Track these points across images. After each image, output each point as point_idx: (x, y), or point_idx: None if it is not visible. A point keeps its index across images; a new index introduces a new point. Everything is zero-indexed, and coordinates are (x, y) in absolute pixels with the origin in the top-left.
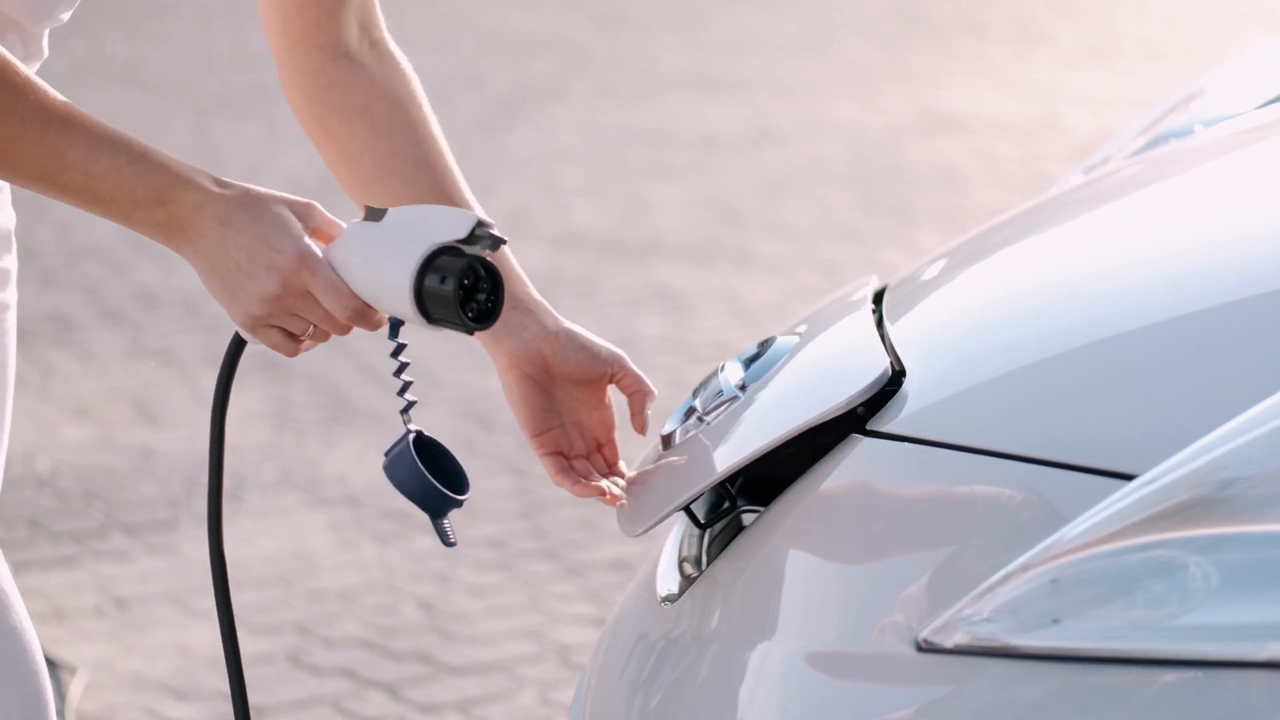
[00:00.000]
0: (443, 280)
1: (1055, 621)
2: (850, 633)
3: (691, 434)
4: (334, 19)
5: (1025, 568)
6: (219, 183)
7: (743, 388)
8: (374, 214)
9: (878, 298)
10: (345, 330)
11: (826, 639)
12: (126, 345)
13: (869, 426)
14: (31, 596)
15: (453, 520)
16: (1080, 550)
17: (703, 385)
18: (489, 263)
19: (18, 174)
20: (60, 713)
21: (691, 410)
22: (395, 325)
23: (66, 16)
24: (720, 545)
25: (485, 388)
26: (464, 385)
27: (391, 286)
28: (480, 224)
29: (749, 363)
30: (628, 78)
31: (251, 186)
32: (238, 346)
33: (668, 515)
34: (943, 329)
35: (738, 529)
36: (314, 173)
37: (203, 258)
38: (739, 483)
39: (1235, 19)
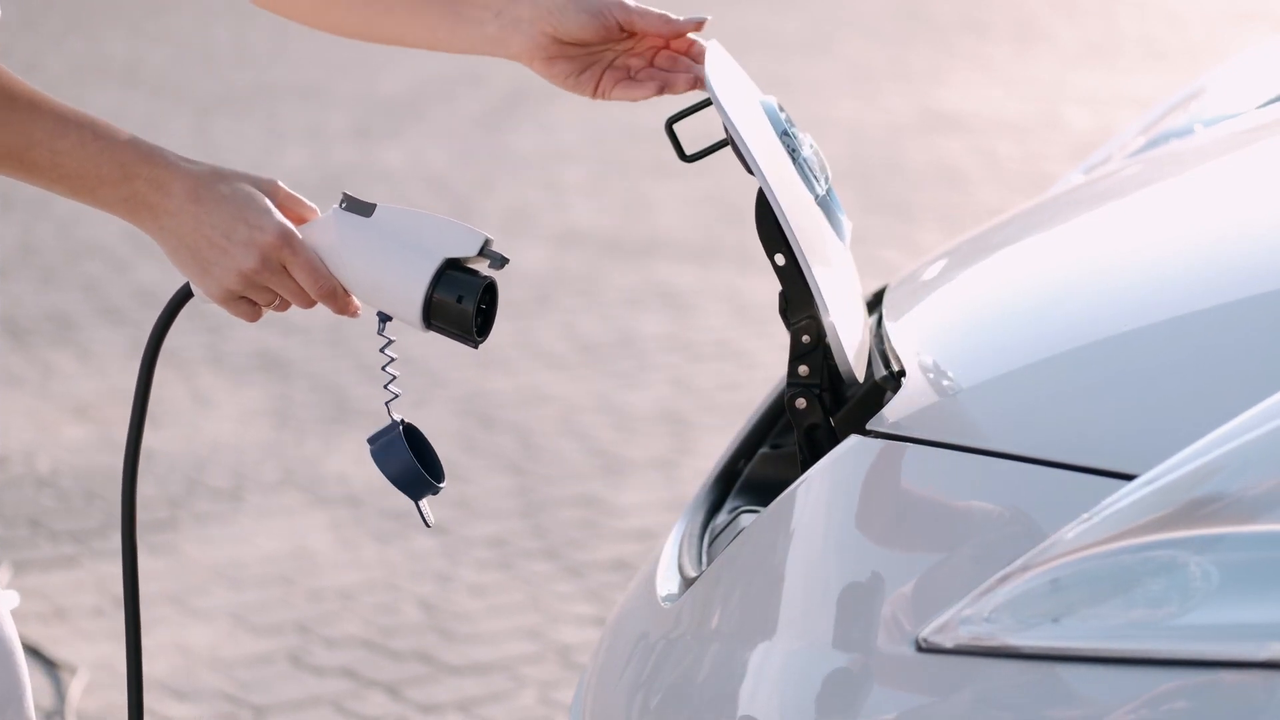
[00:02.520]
0: (459, 299)
1: (1055, 621)
2: (850, 632)
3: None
4: None
5: (1025, 568)
6: (184, 160)
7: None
8: (358, 206)
9: (878, 297)
10: (312, 305)
11: (826, 639)
12: (126, 345)
13: (869, 426)
14: (31, 596)
15: (431, 505)
16: (1080, 550)
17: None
18: (494, 282)
19: None
20: (60, 713)
21: (789, 136)
22: (383, 320)
23: None
24: (720, 545)
25: (485, 387)
26: (464, 384)
27: (396, 290)
28: (488, 241)
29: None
30: None
31: (217, 164)
32: (181, 300)
33: (730, 132)
34: (943, 329)
35: (737, 529)
36: (314, 173)
37: (171, 234)
38: (738, 483)
39: (1235, 18)
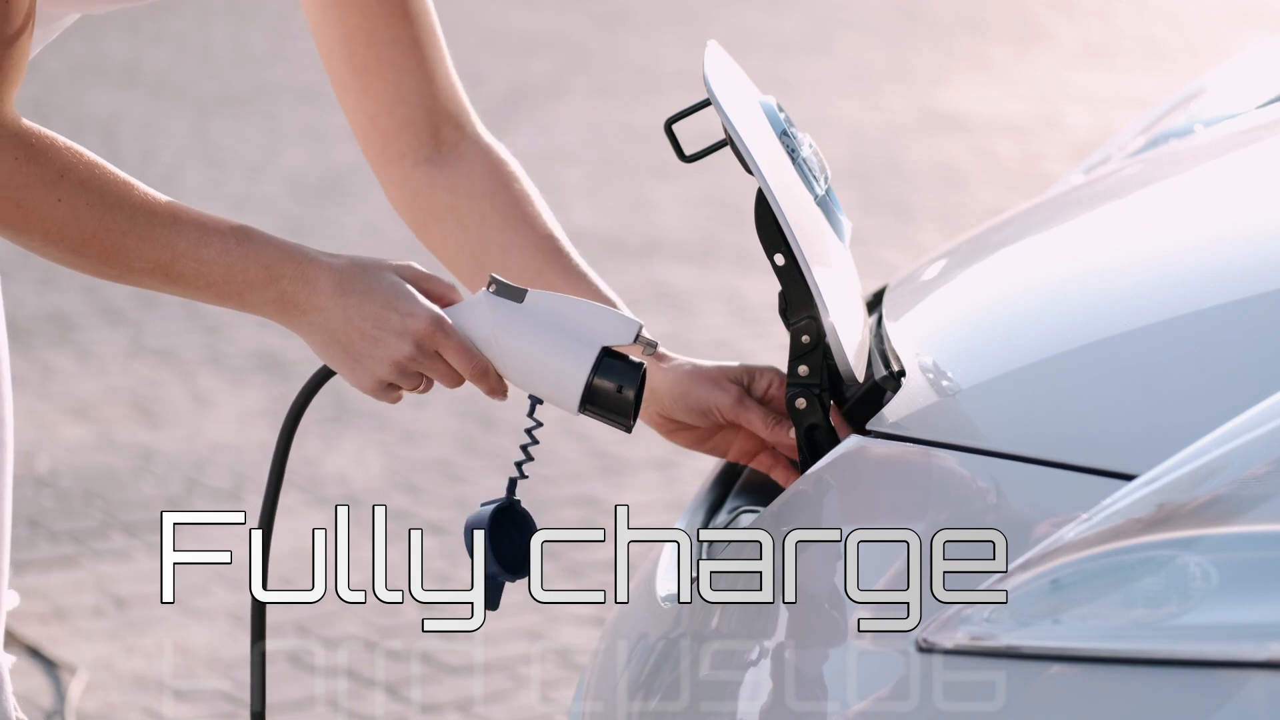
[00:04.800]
0: (620, 389)
1: (1055, 621)
2: (850, 632)
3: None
4: (409, 127)
5: (1025, 567)
6: (325, 254)
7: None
8: (509, 290)
9: (878, 297)
10: (460, 384)
11: (826, 639)
12: (126, 345)
13: (869, 426)
14: (31, 596)
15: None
16: (1080, 550)
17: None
18: (645, 367)
19: (130, 270)
20: (60, 713)
21: (789, 136)
22: (535, 402)
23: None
24: (720, 545)
25: None
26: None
27: (554, 377)
28: (641, 328)
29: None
30: (628, 76)
31: (355, 255)
32: (322, 379)
33: (729, 132)
34: (942, 329)
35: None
36: (313, 173)
37: (320, 329)
38: (738, 483)
39: (1236, 18)
